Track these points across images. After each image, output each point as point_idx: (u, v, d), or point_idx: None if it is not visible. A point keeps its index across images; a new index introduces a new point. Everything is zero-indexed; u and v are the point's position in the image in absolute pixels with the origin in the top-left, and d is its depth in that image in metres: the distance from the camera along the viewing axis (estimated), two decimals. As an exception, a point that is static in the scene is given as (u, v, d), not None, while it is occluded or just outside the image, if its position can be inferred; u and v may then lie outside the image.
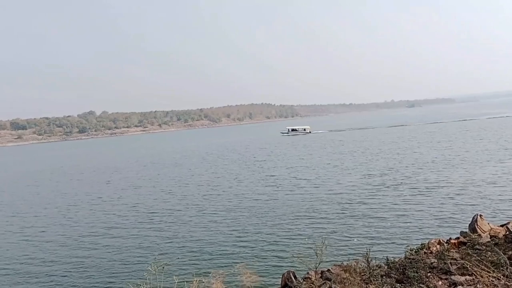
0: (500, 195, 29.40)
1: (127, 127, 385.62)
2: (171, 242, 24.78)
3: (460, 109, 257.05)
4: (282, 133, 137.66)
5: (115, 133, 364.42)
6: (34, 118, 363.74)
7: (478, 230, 17.82)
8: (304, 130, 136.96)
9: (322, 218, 27.16)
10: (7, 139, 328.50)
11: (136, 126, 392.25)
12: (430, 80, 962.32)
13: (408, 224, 24.70)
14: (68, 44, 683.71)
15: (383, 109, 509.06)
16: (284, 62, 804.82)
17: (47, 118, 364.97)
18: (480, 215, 18.37)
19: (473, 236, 17.46)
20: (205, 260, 21.33)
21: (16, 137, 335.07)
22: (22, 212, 37.92)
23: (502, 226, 19.09)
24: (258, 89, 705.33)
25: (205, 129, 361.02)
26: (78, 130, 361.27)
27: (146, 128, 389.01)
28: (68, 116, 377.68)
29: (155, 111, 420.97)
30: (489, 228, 18.15)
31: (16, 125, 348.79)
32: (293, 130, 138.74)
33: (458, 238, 18.01)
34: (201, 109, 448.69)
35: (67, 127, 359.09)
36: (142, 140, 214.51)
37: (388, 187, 35.25)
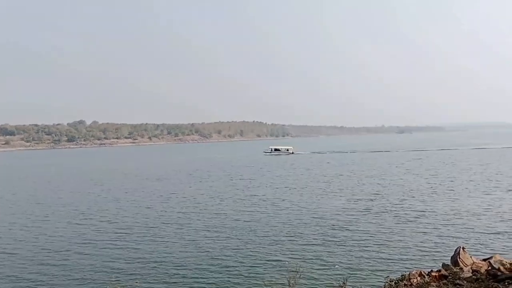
0: (484, 227, 28.82)
1: (117, 138, 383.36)
2: (137, 262, 23.63)
3: (449, 138, 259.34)
4: (265, 152, 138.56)
5: (104, 144, 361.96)
6: (23, 125, 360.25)
7: (460, 263, 17.14)
8: (287, 150, 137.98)
9: (302, 243, 26.26)
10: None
11: (126, 137, 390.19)
12: (420, 108, 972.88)
13: (390, 253, 23.94)
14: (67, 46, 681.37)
15: (374, 134, 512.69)
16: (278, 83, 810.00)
17: (36, 125, 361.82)
18: (463, 248, 17.73)
19: (455, 270, 16.78)
20: (171, 283, 20.27)
21: (4, 142, 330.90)
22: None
23: (484, 260, 18.47)
24: (250, 106, 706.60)
25: (195, 144, 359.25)
26: (67, 138, 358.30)
27: (136, 140, 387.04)
28: (58, 124, 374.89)
29: (146, 124, 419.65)
30: (472, 261, 17.49)
31: (5, 131, 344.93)
32: (275, 150, 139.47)
33: (439, 270, 17.32)
34: (192, 123, 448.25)
35: (56, 135, 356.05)
36: (130, 152, 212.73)
37: (371, 213, 34.55)
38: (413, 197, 41.85)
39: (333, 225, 30.78)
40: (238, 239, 27.77)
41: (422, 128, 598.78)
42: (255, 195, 46.27)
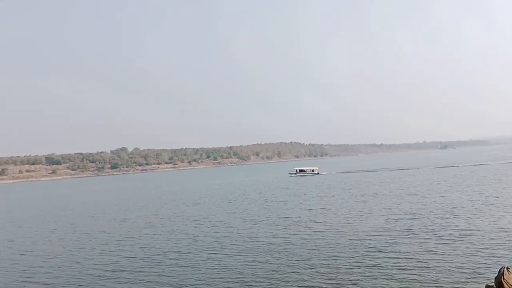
0: (531, 246, 27.02)
1: (158, 163, 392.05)
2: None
3: (494, 152, 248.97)
4: (290, 173, 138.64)
5: (146, 169, 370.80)
6: (69, 154, 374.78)
7: (505, 284, 16.18)
8: (312, 171, 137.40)
9: (338, 267, 25.31)
10: (42, 174, 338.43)
11: (166, 162, 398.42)
12: (463, 121, 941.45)
13: (431, 275, 22.69)
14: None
15: (415, 150, 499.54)
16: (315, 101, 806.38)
17: (81, 154, 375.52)
18: (508, 268, 16.76)
19: None
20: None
21: (51, 171, 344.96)
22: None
23: (531, 281, 17.26)
24: (286, 127, 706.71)
25: (233, 167, 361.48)
26: (110, 166, 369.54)
27: (176, 165, 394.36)
28: (101, 152, 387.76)
29: (186, 148, 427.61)
30: None
31: (51, 160, 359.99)
32: (301, 170, 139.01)
33: None
34: (230, 146, 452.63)
35: (99, 163, 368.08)
36: (170, 177, 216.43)
37: (410, 234, 33.08)
38: (455, 215, 39.92)
39: (370, 247, 29.62)
40: (271, 263, 27.13)
41: (465, 142, 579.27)
42: (287, 217, 45.50)
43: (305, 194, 70.26)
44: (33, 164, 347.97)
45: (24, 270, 30.07)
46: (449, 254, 26.43)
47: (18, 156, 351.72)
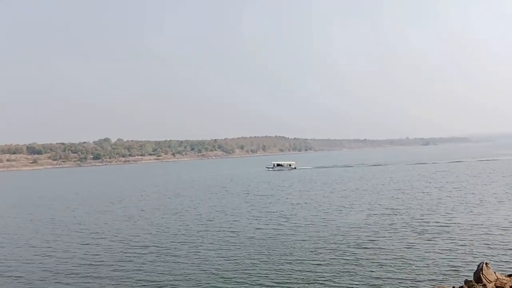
0: (509, 242, 27.36)
1: (141, 155, 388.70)
2: (146, 283, 23.16)
3: (474, 149, 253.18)
4: (268, 167, 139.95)
5: (129, 161, 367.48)
6: (50, 143, 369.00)
7: (483, 280, 16.35)
8: (290, 165, 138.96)
9: (319, 261, 25.29)
10: (23, 163, 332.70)
11: (150, 154, 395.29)
12: (445, 118, 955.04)
13: (411, 270, 22.91)
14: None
15: (398, 146, 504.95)
16: (298, 91, 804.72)
17: (63, 144, 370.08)
18: (486, 263, 16.95)
19: (478, 286, 15.91)
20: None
21: (32, 161, 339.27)
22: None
23: (509, 276, 17.43)
24: (272, 120, 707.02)
25: (217, 160, 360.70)
26: (92, 156, 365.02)
27: (160, 157, 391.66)
28: (84, 143, 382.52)
29: (170, 140, 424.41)
30: (495, 277, 16.62)
31: (32, 150, 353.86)
32: (278, 165, 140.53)
33: (461, 287, 16.43)
34: (215, 139, 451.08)
35: (82, 153, 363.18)
36: (153, 168, 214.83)
37: (388, 229, 33.28)
38: (435, 211, 40.32)
39: (350, 242, 29.70)
40: (251, 257, 26.99)
41: (447, 139, 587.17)
42: (268, 211, 45.41)
43: (286, 188, 70.32)
44: (14, 153, 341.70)
45: (-2, 262, 29.39)
46: (428, 250, 26.65)
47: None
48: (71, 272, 25.91)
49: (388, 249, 27.43)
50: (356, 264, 24.51)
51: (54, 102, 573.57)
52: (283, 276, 23.01)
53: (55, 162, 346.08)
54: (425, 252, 26.15)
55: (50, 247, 33.22)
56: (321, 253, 27.27)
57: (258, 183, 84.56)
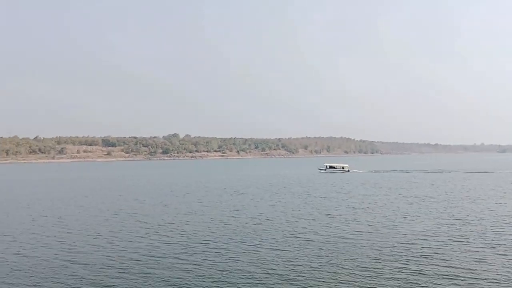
0: None
1: (207, 151, 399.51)
2: (198, 278, 23.35)
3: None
4: (320, 169, 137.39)
5: (195, 156, 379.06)
6: (124, 137, 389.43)
7: None
8: (342, 168, 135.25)
9: (378, 270, 24.13)
10: (98, 155, 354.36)
11: (215, 151, 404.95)
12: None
13: (480, 286, 21.21)
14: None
15: (471, 152, 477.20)
16: (365, 95, 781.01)
17: (135, 138, 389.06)
18: None
19: None
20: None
21: (106, 153, 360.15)
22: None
23: None
24: (337, 121, 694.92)
25: (281, 159, 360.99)
26: (162, 151, 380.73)
27: (225, 154, 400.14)
28: (154, 137, 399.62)
29: (235, 138, 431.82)
30: None
31: (107, 142, 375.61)
32: (330, 167, 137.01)
33: None
34: (279, 138, 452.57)
35: (152, 148, 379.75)
36: (218, 164, 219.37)
37: (458, 240, 31.08)
38: (510, 224, 37.28)
39: (415, 252, 27.97)
40: (310, 261, 26.23)
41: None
42: (328, 214, 44.31)
43: (345, 191, 68.57)
44: (90, 145, 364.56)
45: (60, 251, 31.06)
46: (502, 265, 24.54)
47: (77, 137, 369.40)
48: (131, 260, 26.74)
49: (457, 262, 25.59)
50: (420, 275, 23.07)
51: (127, 98, 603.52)
52: (342, 283, 22.17)
53: (127, 154, 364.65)
54: (498, 268, 24.11)
55: (115, 237, 34.57)
56: (383, 261, 25.99)
57: (317, 185, 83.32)
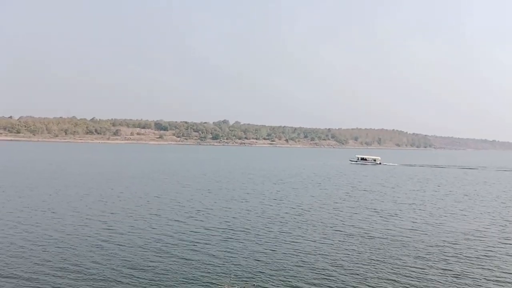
0: None
1: (256, 138, 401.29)
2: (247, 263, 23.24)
3: None
4: (351, 161, 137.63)
5: (244, 143, 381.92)
6: (175, 121, 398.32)
7: None
8: (374, 160, 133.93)
9: (423, 272, 22.99)
10: (150, 137, 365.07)
11: (264, 138, 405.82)
12: None
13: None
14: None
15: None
16: (420, 86, 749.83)
17: (186, 122, 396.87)
18: None
19: None
20: None
21: (158, 136, 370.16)
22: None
23: None
24: (389, 111, 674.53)
25: (330, 149, 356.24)
26: (211, 136, 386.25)
27: (274, 142, 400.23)
28: (205, 123, 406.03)
29: (284, 126, 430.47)
30: None
31: (159, 126, 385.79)
32: (362, 159, 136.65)
33: None
34: (329, 129, 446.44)
35: (202, 133, 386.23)
36: (266, 152, 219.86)
37: (507, 242, 29.24)
38: None
39: (463, 252, 26.51)
40: (351, 255, 25.53)
41: None
42: (371, 208, 43.01)
43: (388, 186, 66.42)
44: (143, 128, 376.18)
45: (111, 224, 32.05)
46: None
47: (131, 119, 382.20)
48: (171, 243, 27.13)
49: (505, 264, 24.07)
50: (467, 278, 21.83)
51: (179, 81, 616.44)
52: (386, 280, 21.34)
53: (178, 139, 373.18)
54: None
55: (153, 220, 35.33)
56: (429, 260, 24.74)
57: (361, 177, 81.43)
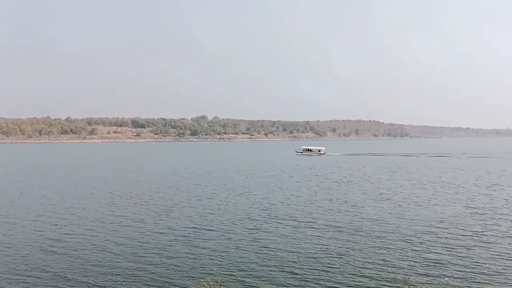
0: None
1: (235, 133, 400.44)
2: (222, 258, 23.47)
3: None
4: (297, 152, 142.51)
5: (223, 138, 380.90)
6: (153, 118, 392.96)
7: None
8: (319, 151, 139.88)
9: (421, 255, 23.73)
10: (127, 136, 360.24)
11: (243, 133, 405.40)
12: None
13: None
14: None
15: (505, 137, 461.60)
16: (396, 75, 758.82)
17: (163, 119, 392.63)
18: None
19: None
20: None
21: (135, 134, 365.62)
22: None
23: None
24: (367, 102, 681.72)
25: (309, 142, 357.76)
26: (190, 132, 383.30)
27: (253, 136, 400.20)
28: (183, 119, 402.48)
29: (263, 120, 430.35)
30: None
31: (136, 123, 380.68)
32: (307, 150, 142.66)
33: None
34: (307, 121, 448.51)
35: (180, 129, 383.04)
36: (245, 147, 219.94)
37: (461, 228, 30.18)
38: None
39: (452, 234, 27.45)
40: (339, 247, 26.09)
41: None
42: (338, 199, 43.78)
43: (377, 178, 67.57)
44: (120, 126, 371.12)
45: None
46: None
47: (107, 118, 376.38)
48: (170, 242, 27.19)
49: (457, 251, 24.92)
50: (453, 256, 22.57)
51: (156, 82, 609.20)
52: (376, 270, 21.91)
53: (156, 136, 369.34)
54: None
55: (140, 217, 35.25)
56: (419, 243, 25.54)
57: (295, 167, 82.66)
